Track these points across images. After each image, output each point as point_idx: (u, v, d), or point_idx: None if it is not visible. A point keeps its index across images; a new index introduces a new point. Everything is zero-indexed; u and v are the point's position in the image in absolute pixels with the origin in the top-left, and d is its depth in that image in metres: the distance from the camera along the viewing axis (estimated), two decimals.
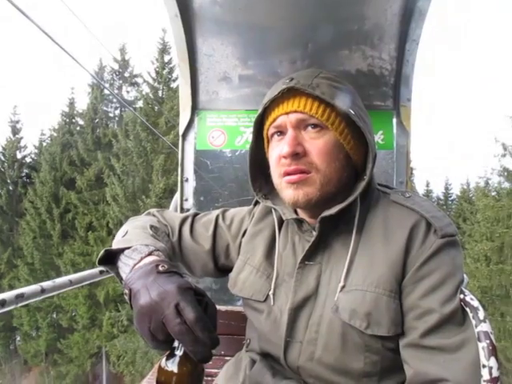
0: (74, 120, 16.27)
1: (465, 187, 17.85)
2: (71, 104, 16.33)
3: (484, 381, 0.52)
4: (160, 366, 0.51)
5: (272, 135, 0.69)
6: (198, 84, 1.22)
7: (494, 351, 0.53)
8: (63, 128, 15.70)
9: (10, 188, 15.93)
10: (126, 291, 0.55)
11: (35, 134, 18.29)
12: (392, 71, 1.14)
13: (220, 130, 1.27)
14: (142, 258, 0.60)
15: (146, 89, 14.35)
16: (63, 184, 14.73)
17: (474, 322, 0.56)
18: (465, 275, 0.66)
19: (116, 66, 15.57)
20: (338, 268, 0.65)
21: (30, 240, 14.20)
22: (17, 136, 16.66)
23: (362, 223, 0.67)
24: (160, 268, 0.55)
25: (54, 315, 14.29)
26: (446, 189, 20.05)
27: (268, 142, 0.72)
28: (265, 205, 0.77)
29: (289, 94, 0.65)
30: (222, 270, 0.83)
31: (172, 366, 0.49)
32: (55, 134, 15.82)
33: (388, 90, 1.18)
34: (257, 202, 0.84)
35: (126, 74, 15.54)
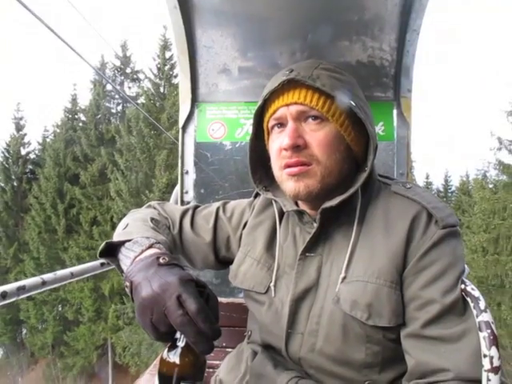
0: (76, 116, 16.33)
1: (464, 179, 17.89)
2: (74, 100, 16.38)
3: (485, 370, 0.52)
4: (162, 358, 0.51)
5: (272, 127, 0.69)
6: (198, 76, 1.21)
7: (494, 341, 0.53)
8: (66, 124, 15.78)
9: (15, 184, 16.08)
10: (127, 284, 0.55)
11: (39, 131, 18.39)
12: (392, 62, 1.13)
13: (220, 122, 1.26)
14: (142, 251, 0.60)
15: (147, 85, 14.42)
16: (67, 179, 14.86)
17: (474, 311, 0.56)
18: (466, 266, 0.66)
19: (118, 63, 15.59)
20: (338, 259, 0.65)
21: (36, 235, 14.41)
22: (20, 132, 16.76)
23: (362, 214, 0.67)
24: (161, 260, 0.55)
25: (60, 308, 14.53)
26: (446, 181, 20.02)
27: (268, 133, 0.71)
28: (265, 197, 0.77)
29: (289, 85, 0.64)
30: (223, 263, 0.84)
31: (174, 358, 0.49)
32: (58, 131, 15.90)
33: (388, 81, 1.17)
34: (257, 194, 0.84)
35: (128, 70, 15.56)
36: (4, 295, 0.57)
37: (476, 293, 0.57)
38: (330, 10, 1.01)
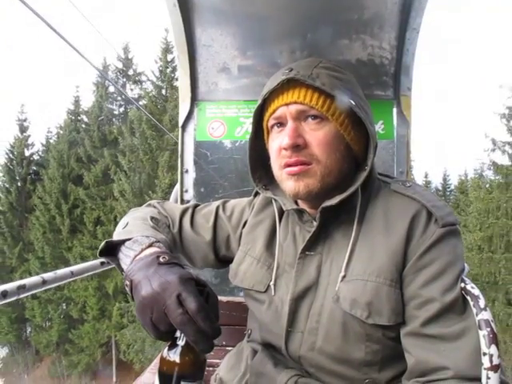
0: (79, 118, 16.44)
1: (463, 178, 17.89)
2: (76, 102, 16.49)
3: (485, 368, 0.52)
4: (162, 357, 0.51)
5: (272, 126, 0.69)
6: (197, 75, 1.21)
7: (494, 339, 0.53)
8: (69, 126, 15.88)
9: (19, 184, 16.19)
10: (127, 282, 0.55)
11: (42, 132, 18.52)
12: (392, 60, 1.12)
13: (219, 120, 1.26)
14: (142, 250, 0.60)
15: (149, 87, 14.54)
16: (71, 180, 14.99)
17: (474, 310, 0.56)
18: (465, 264, 0.65)
19: (120, 65, 15.68)
20: (338, 258, 0.65)
21: (41, 234, 14.55)
22: (24, 134, 16.87)
23: (362, 213, 0.67)
24: (161, 259, 0.55)
25: (65, 307, 14.68)
26: (445, 180, 19.95)
27: (268, 133, 0.71)
28: (265, 196, 0.77)
29: (288, 84, 0.64)
30: (223, 261, 0.84)
31: (174, 356, 0.49)
32: (62, 132, 16.01)
33: (388, 80, 1.17)
34: (257, 193, 0.84)
35: (130, 73, 15.65)
36: (5, 294, 0.57)
37: (476, 291, 0.57)
38: (329, 9, 1.00)
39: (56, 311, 14.35)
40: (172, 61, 14.20)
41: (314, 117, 0.64)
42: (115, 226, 0.79)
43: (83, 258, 13.31)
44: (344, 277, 0.63)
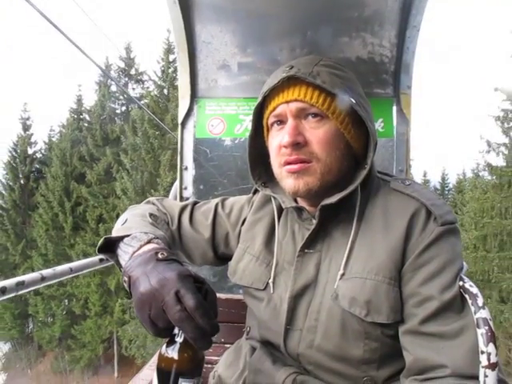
0: (82, 116, 16.48)
1: (461, 177, 17.88)
2: (79, 101, 16.53)
3: (482, 367, 0.52)
4: (160, 353, 0.51)
5: (272, 124, 0.69)
6: (197, 72, 1.20)
7: (492, 337, 0.53)
8: (72, 124, 15.93)
9: (22, 182, 16.27)
10: (126, 278, 0.55)
11: (45, 131, 18.58)
12: (392, 58, 1.11)
13: (219, 118, 1.25)
14: (141, 246, 0.61)
15: (151, 87, 14.61)
16: (74, 178, 15.05)
17: (473, 308, 0.56)
18: (464, 262, 0.65)
19: (122, 64, 15.71)
20: (337, 256, 0.65)
21: (43, 232, 14.64)
22: (27, 132, 16.93)
23: (362, 211, 0.67)
24: (159, 256, 0.55)
25: (68, 303, 14.82)
26: (443, 179, 19.90)
27: (268, 130, 0.71)
28: (264, 193, 0.77)
29: (289, 82, 0.64)
30: (222, 259, 0.84)
31: (172, 353, 0.50)
32: (64, 131, 16.07)
33: (388, 78, 1.16)
34: (256, 191, 0.84)
35: (132, 72, 15.69)
36: (3, 290, 0.58)
37: (474, 290, 0.57)
38: (330, 6, 1.00)
39: (59, 307, 14.46)
40: (174, 61, 14.25)
41: (315, 115, 0.64)
42: None
43: (86, 255, 13.34)
44: (343, 275, 0.63)
